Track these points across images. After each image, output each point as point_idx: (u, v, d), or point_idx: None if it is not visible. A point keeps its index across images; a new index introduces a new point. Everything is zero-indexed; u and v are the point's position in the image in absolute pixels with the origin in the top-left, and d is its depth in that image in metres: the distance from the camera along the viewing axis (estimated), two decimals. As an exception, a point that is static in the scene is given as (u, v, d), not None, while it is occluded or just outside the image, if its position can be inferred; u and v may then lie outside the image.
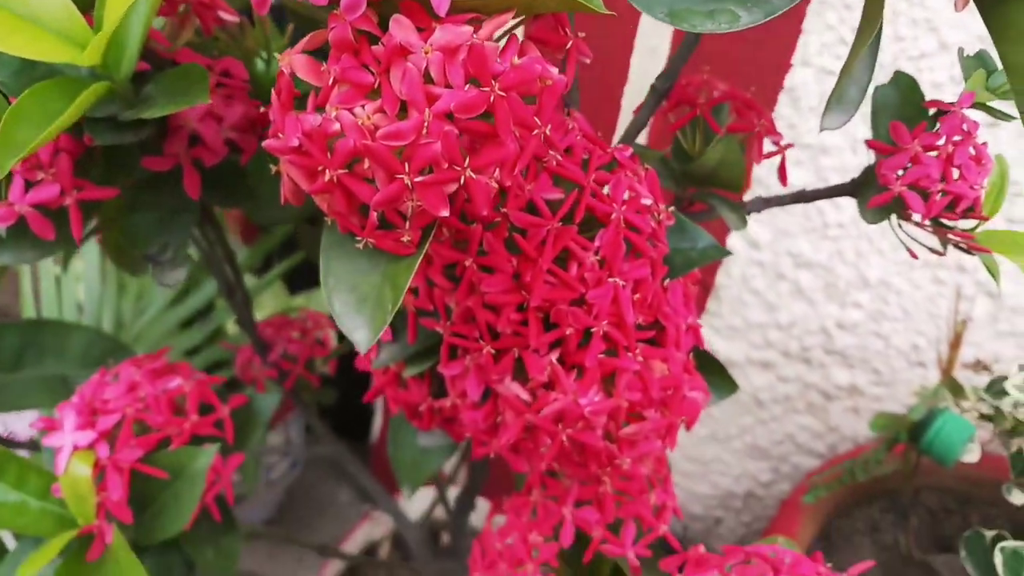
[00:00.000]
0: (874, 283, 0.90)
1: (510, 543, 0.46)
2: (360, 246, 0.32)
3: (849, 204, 0.86)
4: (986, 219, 0.47)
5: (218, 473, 0.45)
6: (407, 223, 0.31)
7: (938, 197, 0.46)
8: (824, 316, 0.93)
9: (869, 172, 0.51)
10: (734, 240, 0.89)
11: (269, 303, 0.90)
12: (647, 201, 0.39)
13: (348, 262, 0.33)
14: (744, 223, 0.49)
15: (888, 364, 0.96)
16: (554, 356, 0.38)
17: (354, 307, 0.32)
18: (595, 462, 0.40)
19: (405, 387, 0.43)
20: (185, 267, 0.42)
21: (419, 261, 0.31)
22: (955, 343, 0.70)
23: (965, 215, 0.47)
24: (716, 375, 0.45)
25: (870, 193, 0.49)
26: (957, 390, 0.77)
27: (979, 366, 0.86)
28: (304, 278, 0.98)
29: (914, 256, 0.48)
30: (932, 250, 0.49)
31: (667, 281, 0.41)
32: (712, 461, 1.08)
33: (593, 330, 0.37)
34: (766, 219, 0.88)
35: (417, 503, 0.95)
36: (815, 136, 0.83)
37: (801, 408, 1.01)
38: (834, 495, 0.96)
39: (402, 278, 0.31)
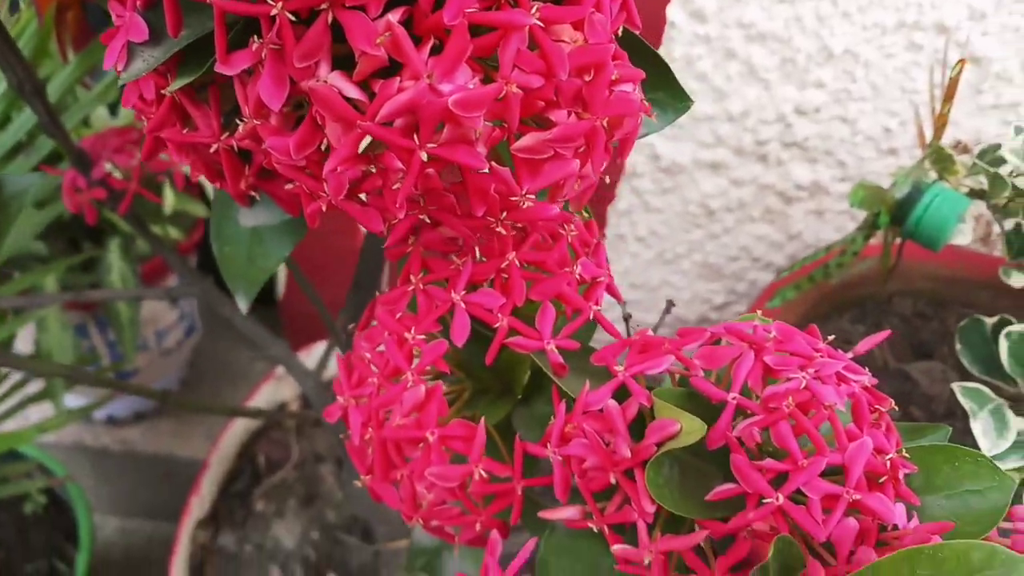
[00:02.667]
0: (838, 54, 0.76)
1: (382, 349, 0.32)
2: None
3: (809, -47, 0.71)
4: None
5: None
6: None
7: None
8: (781, 101, 0.79)
9: None
10: (674, 12, 0.74)
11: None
12: None
13: None
14: None
15: (855, 154, 0.83)
16: (394, 16, 0.23)
17: None
18: (479, 199, 0.26)
19: (193, 126, 0.29)
20: None
21: None
22: (948, 95, 0.57)
23: None
24: (659, 81, 0.31)
25: None
26: (945, 162, 0.65)
27: (960, 147, 0.74)
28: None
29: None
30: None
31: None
32: (660, 286, 0.96)
33: (453, -34, 0.22)
34: (711, -19, 0.72)
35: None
36: None
37: (757, 216, 0.89)
38: (799, 308, 0.85)
39: None
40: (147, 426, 1.00)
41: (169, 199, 0.66)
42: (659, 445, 0.28)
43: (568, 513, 0.30)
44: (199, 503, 0.72)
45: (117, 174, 0.58)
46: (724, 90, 0.79)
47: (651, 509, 0.28)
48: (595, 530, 0.31)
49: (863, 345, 0.33)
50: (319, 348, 0.83)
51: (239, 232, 0.35)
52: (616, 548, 0.29)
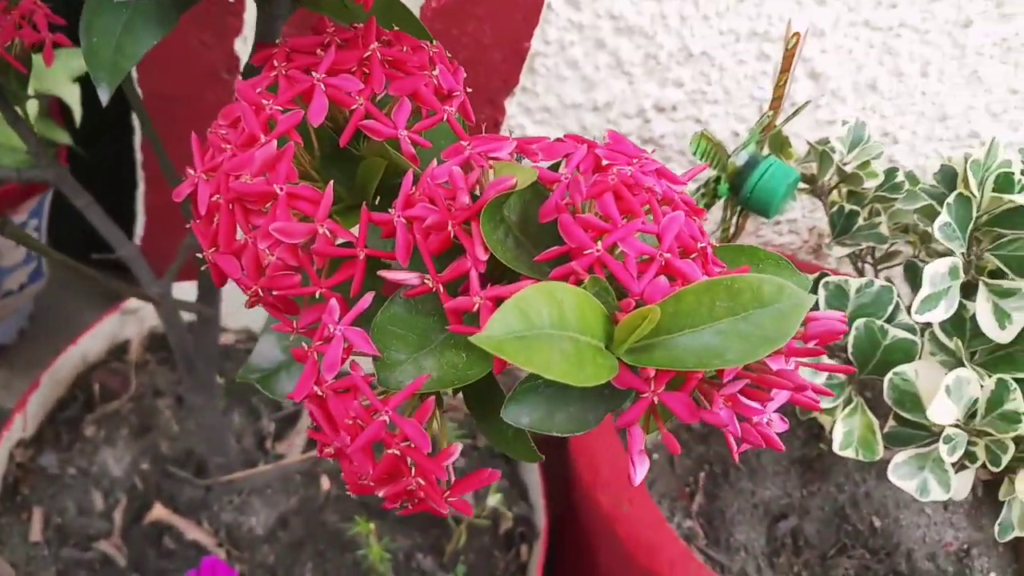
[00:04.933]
0: (697, 55, 0.83)
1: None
2: None
3: (675, -47, 0.78)
4: None
5: None
6: None
7: None
8: (643, 96, 0.85)
9: None
10: (551, -5, 0.79)
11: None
12: None
13: None
14: None
15: (707, 154, 0.90)
16: None
17: None
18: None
19: None
20: None
21: None
22: (785, 67, 0.64)
23: None
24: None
25: None
26: (782, 143, 0.72)
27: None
28: None
29: None
30: None
31: None
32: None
33: None
34: (586, -31, 0.78)
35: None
36: None
37: (616, 208, 0.94)
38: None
39: None
40: (-27, 375, 0.94)
41: (32, 83, 0.64)
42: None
43: (407, 276, 0.31)
44: (21, 421, 0.68)
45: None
46: (593, 79, 0.84)
47: (484, 256, 0.30)
48: (429, 307, 0.33)
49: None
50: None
51: (110, 23, 0.36)
52: (449, 304, 0.31)
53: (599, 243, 0.29)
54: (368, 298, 0.31)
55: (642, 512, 0.66)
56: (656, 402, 0.29)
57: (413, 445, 0.30)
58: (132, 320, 0.79)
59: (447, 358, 0.32)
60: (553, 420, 0.32)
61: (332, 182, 0.32)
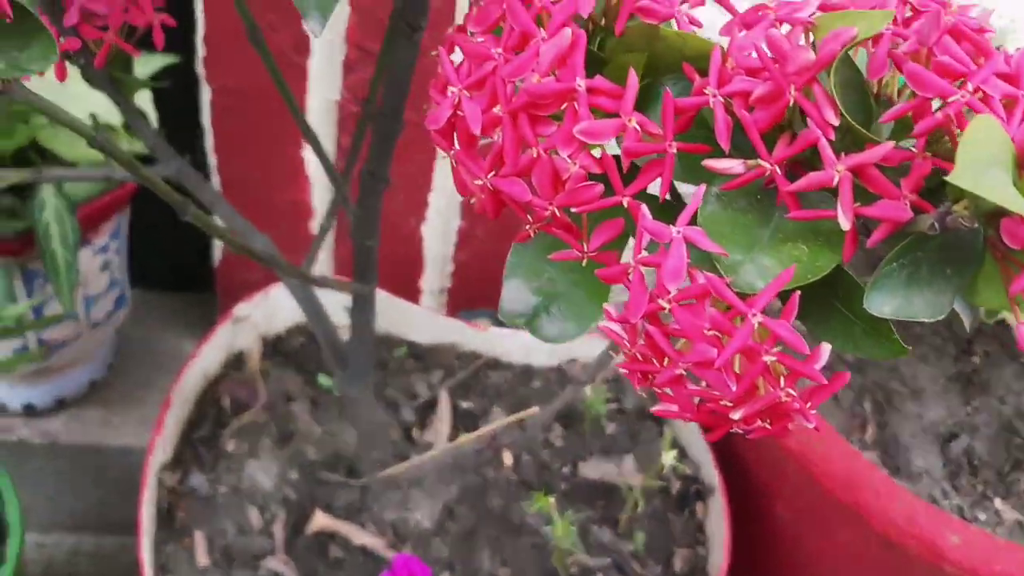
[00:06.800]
0: None
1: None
2: None
3: None
4: None
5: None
6: None
7: None
8: None
9: None
10: None
11: None
12: None
13: None
14: None
15: None
16: None
17: None
18: None
19: None
20: None
21: None
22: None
23: None
24: None
25: None
26: None
27: None
28: None
29: None
30: None
31: None
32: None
33: None
34: None
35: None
36: None
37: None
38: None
39: None
40: (71, 415, 0.90)
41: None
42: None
43: (731, 164, 0.28)
44: (162, 444, 0.65)
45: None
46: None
47: (836, 120, 0.26)
48: (743, 203, 0.29)
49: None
50: (275, 291, 0.77)
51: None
52: (790, 187, 0.27)
53: (963, 87, 0.26)
54: (702, 190, 0.27)
55: (834, 446, 0.62)
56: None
57: (787, 350, 0.26)
58: (243, 329, 0.75)
59: (785, 253, 0.28)
60: (912, 305, 0.28)
61: (633, 69, 0.28)
